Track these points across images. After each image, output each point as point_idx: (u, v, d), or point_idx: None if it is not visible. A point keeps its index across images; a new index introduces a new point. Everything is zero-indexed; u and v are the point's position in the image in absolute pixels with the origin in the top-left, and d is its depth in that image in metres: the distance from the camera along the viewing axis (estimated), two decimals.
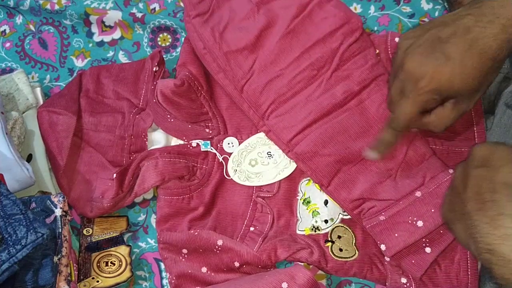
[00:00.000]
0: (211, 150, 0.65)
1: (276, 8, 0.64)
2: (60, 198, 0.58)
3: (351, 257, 0.60)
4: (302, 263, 0.61)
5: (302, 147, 0.60)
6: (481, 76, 0.50)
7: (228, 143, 0.65)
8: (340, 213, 0.62)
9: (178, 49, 0.73)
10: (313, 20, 0.63)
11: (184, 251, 0.61)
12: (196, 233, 0.60)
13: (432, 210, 0.56)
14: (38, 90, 0.68)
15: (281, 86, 0.62)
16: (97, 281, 0.59)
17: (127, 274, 0.60)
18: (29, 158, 0.65)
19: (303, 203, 0.63)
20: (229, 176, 0.64)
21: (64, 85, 0.71)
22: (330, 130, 0.60)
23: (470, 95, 0.51)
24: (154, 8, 0.75)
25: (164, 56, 0.71)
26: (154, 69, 0.67)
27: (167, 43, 0.74)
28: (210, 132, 0.65)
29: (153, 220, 0.66)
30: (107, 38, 0.74)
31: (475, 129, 0.63)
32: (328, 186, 0.60)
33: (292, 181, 0.64)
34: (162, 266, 0.64)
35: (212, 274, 0.61)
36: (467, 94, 0.51)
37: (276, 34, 0.63)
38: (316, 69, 0.61)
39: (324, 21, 0.63)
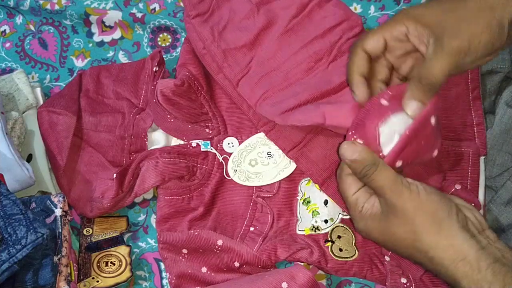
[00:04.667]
0: (211, 150, 0.65)
1: (276, 8, 0.64)
2: (60, 198, 0.58)
3: (351, 257, 0.60)
4: (302, 263, 0.61)
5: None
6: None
7: (228, 143, 0.65)
8: (340, 213, 0.62)
9: (178, 49, 0.73)
10: (313, 19, 0.63)
11: (184, 251, 0.61)
12: (196, 233, 0.60)
13: None
14: (38, 90, 0.68)
15: (277, 78, 0.61)
16: (97, 281, 0.59)
17: (127, 274, 0.60)
18: (29, 158, 0.65)
19: (303, 203, 0.63)
20: (229, 176, 0.64)
21: (64, 85, 0.71)
22: None
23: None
24: (154, 8, 0.75)
25: (164, 56, 0.71)
26: (154, 69, 0.67)
27: (167, 43, 0.74)
28: (210, 132, 0.65)
29: (153, 220, 0.66)
30: (107, 38, 0.74)
31: (475, 129, 0.63)
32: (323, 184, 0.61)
33: (292, 181, 0.64)
34: (162, 266, 0.64)
35: (212, 274, 0.61)
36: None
37: (275, 33, 0.63)
38: (313, 61, 0.61)
39: (324, 19, 0.63)
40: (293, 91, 0.60)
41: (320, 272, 0.63)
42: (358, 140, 0.51)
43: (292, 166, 0.63)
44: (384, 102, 0.51)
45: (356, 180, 0.53)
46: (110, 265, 0.61)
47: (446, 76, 0.48)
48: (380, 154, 0.51)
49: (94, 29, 0.74)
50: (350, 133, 0.52)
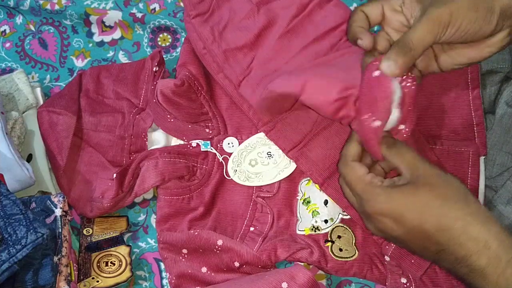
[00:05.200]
0: (211, 150, 0.65)
1: (276, 8, 0.64)
2: (60, 198, 0.58)
3: (351, 257, 0.60)
4: (302, 263, 0.61)
5: None
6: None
7: (228, 143, 0.65)
8: (340, 213, 0.62)
9: (178, 49, 0.73)
10: (313, 19, 0.63)
11: (184, 251, 0.61)
12: (196, 233, 0.60)
13: None
14: (38, 90, 0.68)
15: None
16: (97, 281, 0.59)
17: (127, 274, 0.60)
18: (29, 158, 0.65)
19: (303, 203, 0.63)
20: (229, 176, 0.64)
21: (64, 85, 0.71)
22: None
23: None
24: (154, 8, 0.75)
25: (164, 56, 0.71)
26: (154, 69, 0.67)
27: (167, 43, 0.74)
28: (210, 132, 0.65)
29: (153, 220, 0.66)
30: (107, 38, 0.74)
31: (475, 129, 0.63)
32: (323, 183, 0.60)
33: (292, 181, 0.64)
34: (162, 266, 0.64)
35: (212, 274, 0.61)
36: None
37: (275, 33, 0.63)
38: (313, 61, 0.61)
39: (324, 19, 0.63)
40: None
41: (320, 272, 0.63)
42: (376, 122, 0.49)
43: (292, 166, 0.63)
44: (377, 73, 0.49)
45: (363, 165, 0.52)
46: (110, 265, 0.61)
47: (423, 44, 0.48)
48: (400, 129, 0.50)
49: (94, 29, 0.74)
50: (367, 116, 0.50)
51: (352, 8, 0.72)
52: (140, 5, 0.75)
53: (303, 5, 0.63)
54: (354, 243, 0.61)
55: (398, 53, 0.48)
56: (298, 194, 0.64)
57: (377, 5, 0.53)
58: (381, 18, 0.53)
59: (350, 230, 0.62)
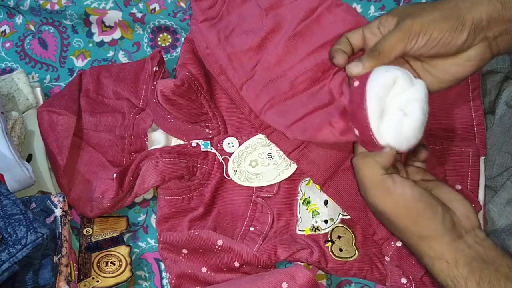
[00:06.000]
0: (211, 150, 0.65)
1: (285, 13, 0.63)
2: (60, 198, 0.58)
3: (351, 257, 0.60)
4: (302, 263, 0.61)
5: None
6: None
7: (228, 143, 0.65)
8: (340, 213, 0.62)
9: (178, 49, 0.73)
10: (322, 24, 0.62)
11: (184, 251, 0.61)
12: (196, 233, 0.60)
13: None
14: (38, 90, 0.68)
15: (283, 85, 0.60)
16: (97, 281, 0.59)
17: (127, 274, 0.60)
18: (29, 158, 0.65)
19: (303, 203, 0.63)
20: (229, 177, 0.64)
21: (64, 85, 0.71)
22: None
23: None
24: (154, 8, 0.75)
25: (164, 56, 0.71)
26: (154, 69, 0.67)
27: (167, 43, 0.74)
28: (210, 132, 0.65)
29: (153, 220, 0.66)
30: (107, 38, 0.74)
31: (475, 129, 0.63)
32: (324, 184, 0.60)
33: (292, 181, 0.64)
34: (162, 266, 0.64)
35: (212, 274, 0.61)
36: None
37: (282, 37, 0.62)
38: (321, 71, 0.60)
39: (333, 24, 0.61)
40: (300, 102, 0.59)
41: (320, 272, 0.63)
42: (355, 131, 0.51)
43: (292, 168, 0.63)
44: (356, 83, 0.51)
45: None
46: (110, 265, 0.61)
47: (393, 50, 0.50)
48: (377, 143, 0.50)
49: (94, 29, 0.74)
50: (350, 124, 0.52)
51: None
52: (140, 5, 0.75)
53: (312, 9, 0.62)
54: (354, 243, 0.61)
55: (366, 56, 0.50)
56: (298, 194, 0.64)
57: (358, 30, 0.55)
58: (362, 42, 0.55)
59: (350, 230, 0.62)
